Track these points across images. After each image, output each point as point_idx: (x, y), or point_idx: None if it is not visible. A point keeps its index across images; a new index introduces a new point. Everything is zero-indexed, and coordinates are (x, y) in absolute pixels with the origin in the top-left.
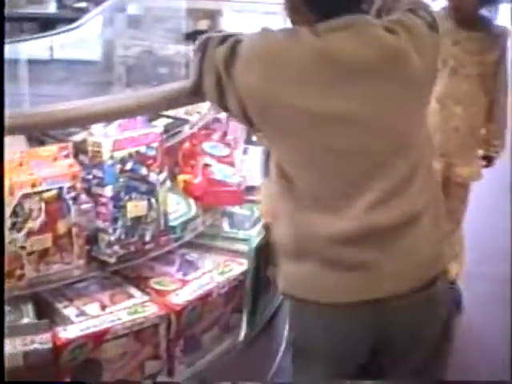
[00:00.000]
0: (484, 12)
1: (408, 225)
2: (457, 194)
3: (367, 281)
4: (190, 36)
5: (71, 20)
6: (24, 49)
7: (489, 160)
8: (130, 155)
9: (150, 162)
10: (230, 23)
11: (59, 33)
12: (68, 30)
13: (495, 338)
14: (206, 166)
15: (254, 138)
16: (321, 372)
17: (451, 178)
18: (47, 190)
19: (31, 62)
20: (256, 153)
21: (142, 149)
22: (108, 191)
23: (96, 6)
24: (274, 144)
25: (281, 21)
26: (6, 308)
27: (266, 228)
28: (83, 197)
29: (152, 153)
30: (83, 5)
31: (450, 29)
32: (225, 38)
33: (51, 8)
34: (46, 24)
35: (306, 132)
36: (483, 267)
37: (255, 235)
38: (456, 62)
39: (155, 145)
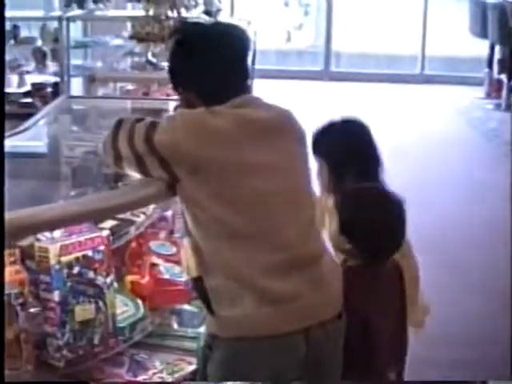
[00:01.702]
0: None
1: (319, 258)
2: None
3: (299, 311)
4: None
5: (18, 115)
6: None
7: None
8: (77, 259)
9: (97, 265)
10: None
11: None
12: (17, 133)
13: None
14: (153, 265)
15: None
16: None
17: None
18: None
19: None
20: None
21: (89, 253)
22: (56, 296)
23: (42, 100)
24: (201, 196)
25: None
26: None
27: (194, 283)
28: (31, 301)
29: (99, 256)
30: (29, 100)
31: None
32: (139, 119)
33: None
34: None
35: (234, 179)
36: None
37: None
38: None
39: (102, 248)
